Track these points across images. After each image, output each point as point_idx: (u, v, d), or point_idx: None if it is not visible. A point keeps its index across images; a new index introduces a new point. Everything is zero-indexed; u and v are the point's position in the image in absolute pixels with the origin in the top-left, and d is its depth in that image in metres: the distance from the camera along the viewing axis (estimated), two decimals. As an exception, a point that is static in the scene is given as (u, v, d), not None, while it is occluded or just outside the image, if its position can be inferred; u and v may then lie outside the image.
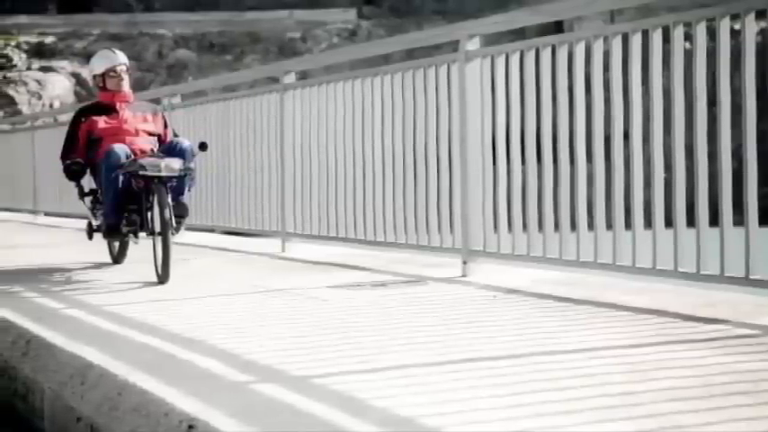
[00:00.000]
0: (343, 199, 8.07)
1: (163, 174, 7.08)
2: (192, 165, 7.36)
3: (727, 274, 5.00)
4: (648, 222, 5.41)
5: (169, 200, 7.05)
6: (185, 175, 7.28)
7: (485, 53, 6.62)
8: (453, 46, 6.87)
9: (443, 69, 7.00)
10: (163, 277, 6.84)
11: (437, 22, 31.38)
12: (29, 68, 34.02)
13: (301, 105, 8.72)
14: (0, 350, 5.23)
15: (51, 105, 31.99)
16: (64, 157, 7.81)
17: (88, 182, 8.08)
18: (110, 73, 7.90)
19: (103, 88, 7.94)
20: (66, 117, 12.55)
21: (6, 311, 5.77)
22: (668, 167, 5.29)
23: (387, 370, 3.88)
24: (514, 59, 6.39)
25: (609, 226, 5.67)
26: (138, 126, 7.83)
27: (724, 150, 4.99)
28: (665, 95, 5.31)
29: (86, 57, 27.15)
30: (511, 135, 6.43)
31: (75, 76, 33.50)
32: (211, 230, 10.75)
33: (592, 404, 3.26)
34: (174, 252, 6.97)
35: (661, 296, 5.38)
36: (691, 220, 5.13)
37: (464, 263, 6.69)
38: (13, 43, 34.74)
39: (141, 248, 7.66)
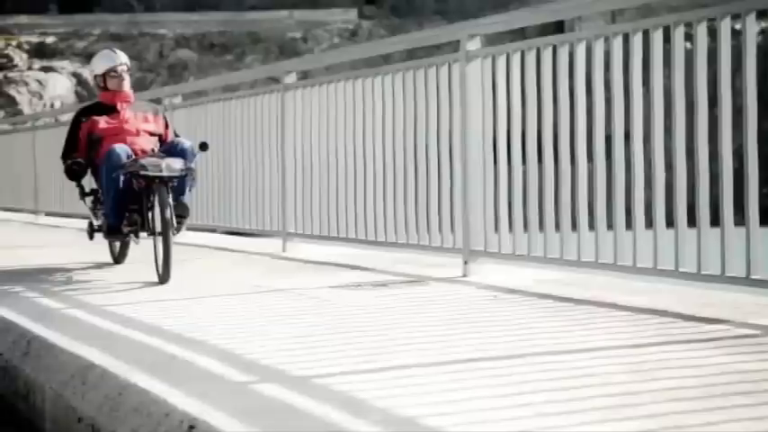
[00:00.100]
0: (344, 199, 8.07)
1: (164, 174, 7.08)
2: (192, 165, 7.36)
3: (728, 274, 5.00)
4: (649, 222, 5.41)
5: (170, 200, 7.05)
6: (186, 175, 7.28)
7: (486, 53, 6.62)
8: (454, 46, 6.87)
9: (444, 69, 7.00)
10: (164, 277, 6.84)
11: (438, 22, 31.40)
12: (30, 68, 34.04)
13: (302, 105, 8.72)
14: (1, 350, 5.24)
15: (52, 105, 32.01)
16: (65, 157, 7.81)
17: (89, 182, 8.08)
18: (111, 73, 7.90)
19: (104, 88, 7.94)
20: (67, 117, 12.57)
21: (7, 311, 5.77)
22: (669, 167, 5.29)
23: (388, 370, 3.88)
24: (515, 59, 6.39)
25: (610, 226, 5.67)
26: (138, 126, 7.83)
27: (725, 150, 4.99)
28: (665, 95, 5.32)
29: (87, 57, 27.17)
30: (512, 135, 6.43)
31: (76, 76, 33.51)
32: (212, 230, 10.75)
33: (593, 404, 3.26)
34: (175, 252, 6.97)
35: (662, 296, 5.38)
36: (692, 220, 5.13)
37: (465, 263, 6.69)
38: (14, 43, 34.75)
39: (142, 248, 7.66)
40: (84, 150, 7.78)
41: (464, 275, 6.64)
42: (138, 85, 23.02)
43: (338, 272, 7.20)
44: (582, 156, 5.90)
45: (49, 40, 35.01)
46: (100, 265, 8.06)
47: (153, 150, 7.56)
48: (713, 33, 5.06)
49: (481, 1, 32.51)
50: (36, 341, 4.95)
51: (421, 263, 7.44)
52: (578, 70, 5.89)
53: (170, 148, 7.48)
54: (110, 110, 7.87)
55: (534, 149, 6.26)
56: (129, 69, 8.01)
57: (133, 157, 7.39)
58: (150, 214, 7.23)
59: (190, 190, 7.59)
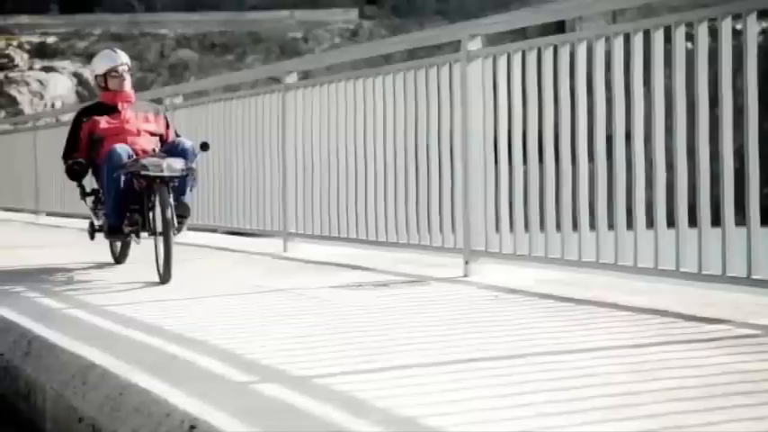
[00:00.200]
0: (345, 199, 8.07)
1: (165, 174, 7.08)
2: (193, 165, 7.37)
3: (728, 274, 5.00)
4: (650, 222, 5.41)
5: (171, 200, 7.05)
6: (187, 175, 7.29)
7: (486, 53, 6.62)
8: (455, 46, 6.87)
9: (445, 69, 7.00)
10: (165, 277, 6.84)
11: (439, 22, 31.40)
12: (31, 68, 34.04)
13: (303, 105, 8.72)
14: (2, 350, 5.24)
15: (53, 105, 32.01)
16: (66, 157, 7.81)
17: (90, 182, 8.08)
18: (111, 73, 7.90)
19: (105, 88, 7.94)
20: (68, 117, 12.56)
21: (8, 311, 5.77)
22: (670, 167, 5.29)
23: (389, 370, 3.88)
24: (516, 59, 6.39)
25: (611, 226, 5.67)
26: (139, 126, 7.83)
27: (726, 150, 4.99)
28: (666, 95, 5.32)
29: (88, 57, 27.15)
30: (513, 135, 6.43)
31: (77, 76, 33.51)
32: (213, 230, 10.75)
33: (594, 404, 3.26)
34: (176, 252, 6.97)
35: (663, 296, 5.38)
36: (692, 220, 5.13)
37: (466, 263, 6.69)
38: (14, 43, 34.75)
39: (143, 248, 7.66)
40: (85, 150, 7.78)
41: (465, 275, 6.64)
42: (139, 85, 23.03)
43: (339, 272, 7.20)
44: (583, 156, 5.90)
45: (50, 40, 35.01)
46: (101, 265, 8.06)
47: (154, 150, 7.56)
48: (714, 33, 5.06)
49: (482, 1, 32.50)
50: (37, 341, 4.95)
51: (422, 263, 7.44)
52: (579, 70, 5.89)
53: (171, 148, 7.49)
54: (111, 110, 7.87)
55: (535, 149, 6.27)
56: (129, 69, 8.01)
57: (134, 157, 7.39)
58: (151, 214, 7.23)
59: (191, 190, 7.59)
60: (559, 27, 24.28)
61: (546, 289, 5.88)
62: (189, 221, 7.66)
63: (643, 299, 5.32)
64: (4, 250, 10.11)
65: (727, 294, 5.25)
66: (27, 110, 31.84)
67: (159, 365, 4.14)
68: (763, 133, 5.24)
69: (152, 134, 7.88)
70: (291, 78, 9.05)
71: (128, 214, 7.42)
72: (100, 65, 7.98)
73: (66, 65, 34.03)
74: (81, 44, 34.71)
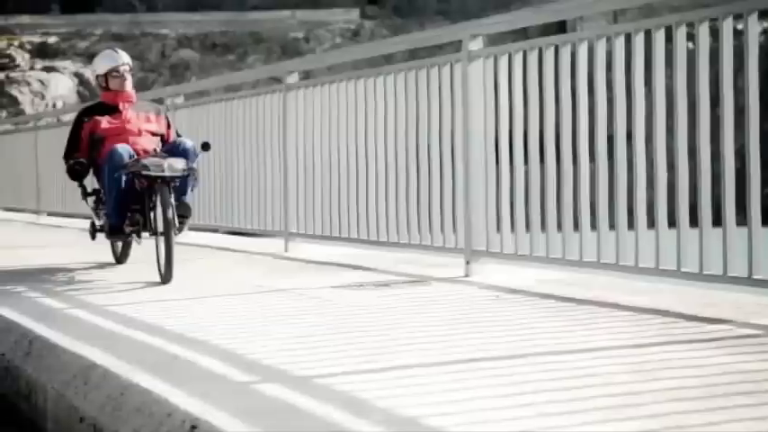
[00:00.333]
0: (346, 199, 8.07)
1: (166, 174, 7.08)
2: (194, 165, 7.37)
3: (730, 274, 5.00)
4: (651, 222, 5.41)
5: (172, 200, 7.05)
6: (188, 175, 7.29)
7: (488, 53, 6.62)
8: (456, 46, 6.86)
9: (446, 69, 7.00)
10: (166, 277, 6.84)
11: (440, 22, 31.40)
12: (32, 68, 34.04)
13: (304, 105, 8.72)
14: (3, 350, 5.24)
15: (54, 105, 32.02)
16: (67, 157, 7.81)
17: (91, 182, 8.09)
18: (113, 73, 7.90)
19: (106, 88, 7.94)
20: (70, 117, 12.56)
21: (9, 311, 5.77)
22: (671, 167, 5.29)
23: (390, 370, 3.88)
24: (517, 59, 6.39)
25: (612, 226, 5.67)
26: (141, 126, 7.83)
27: (727, 150, 4.99)
28: (667, 95, 5.32)
29: (89, 57, 27.14)
30: (514, 135, 6.43)
31: (78, 76, 33.52)
32: (214, 230, 10.76)
33: (594, 404, 3.26)
34: (177, 252, 6.97)
35: (664, 296, 5.38)
36: (694, 220, 5.13)
37: (467, 263, 6.69)
38: (16, 43, 34.76)
39: (144, 249, 7.67)
40: (87, 150, 7.78)
41: (466, 275, 6.64)
42: (140, 85, 23.04)
43: (340, 272, 7.20)
44: (584, 156, 5.90)
45: (51, 40, 35.01)
46: (102, 265, 8.06)
47: (155, 150, 7.56)
48: (715, 33, 5.06)
49: (483, 1, 32.50)
50: (38, 341, 4.95)
51: (423, 263, 7.44)
52: (580, 70, 5.89)
53: (172, 148, 7.49)
54: (112, 110, 7.87)
55: (536, 149, 6.27)
56: (131, 69, 8.02)
57: (135, 157, 7.39)
58: (152, 214, 7.23)
59: (192, 190, 7.60)
60: (560, 27, 24.27)
61: (547, 289, 5.88)
62: (190, 221, 7.66)
63: (644, 299, 5.32)
64: (5, 250, 10.12)
65: (728, 294, 5.25)
66: (28, 110, 31.84)
67: (160, 365, 4.15)
68: (765, 133, 5.25)
69: (153, 134, 7.88)
70: (293, 78, 9.05)
71: (129, 214, 7.42)
72: (101, 65, 7.99)
73: (68, 65, 34.04)
74: (82, 44, 34.71)
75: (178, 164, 7.18)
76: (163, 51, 34.96)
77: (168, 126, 8.06)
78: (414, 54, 14.38)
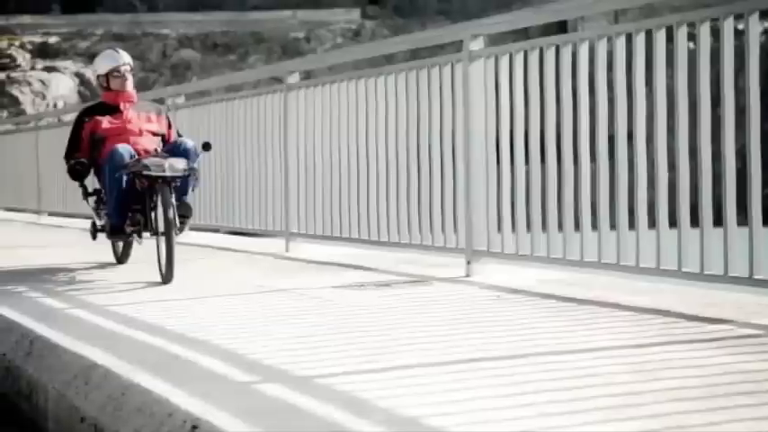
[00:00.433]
0: (347, 199, 8.07)
1: (167, 174, 7.09)
2: (195, 165, 7.37)
3: (731, 274, 4.99)
4: (652, 222, 5.41)
5: (173, 200, 7.05)
6: (189, 175, 7.29)
7: (488, 53, 6.62)
8: (457, 46, 6.87)
9: (447, 69, 7.00)
10: (167, 277, 6.84)
11: (441, 22, 31.40)
12: (33, 68, 34.05)
13: (305, 105, 8.72)
14: (4, 350, 5.24)
15: (55, 105, 32.03)
16: (68, 157, 7.81)
17: (92, 182, 8.09)
18: (113, 73, 7.90)
19: (107, 88, 7.94)
20: (70, 117, 12.57)
21: (10, 311, 5.77)
22: (672, 167, 5.29)
23: (391, 370, 3.88)
24: (518, 59, 6.39)
25: (613, 226, 5.66)
26: (141, 126, 7.83)
27: (728, 150, 4.99)
28: (668, 95, 5.32)
29: (90, 57, 27.16)
30: (514, 135, 6.43)
31: (79, 76, 33.53)
32: (215, 230, 10.76)
33: (595, 404, 3.26)
34: (178, 252, 6.97)
35: (665, 296, 5.38)
36: (695, 220, 5.13)
37: (468, 263, 6.69)
38: (16, 43, 34.77)
39: (145, 249, 7.67)
40: (87, 150, 7.78)
41: (467, 275, 6.64)
42: (141, 85, 23.04)
43: (341, 272, 7.20)
44: (585, 156, 5.91)
45: (52, 40, 35.02)
46: (103, 266, 8.06)
47: (156, 150, 7.56)
48: (716, 33, 5.06)
49: (484, 1, 32.49)
50: (39, 341, 4.95)
51: (424, 263, 7.44)
52: (581, 70, 5.89)
53: (173, 148, 7.49)
54: (113, 110, 7.87)
55: (537, 149, 6.27)
56: (131, 69, 8.02)
57: (136, 157, 7.39)
58: (153, 214, 7.23)
59: (193, 190, 7.60)
60: (561, 27, 24.27)
61: (548, 289, 5.88)
62: (191, 221, 7.66)
63: (645, 299, 5.32)
64: (6, 250, 10.12)
65: (729, 294, 5.25)
66: (29, 110, 31.85)
67: (161, 365, 4.15)
68: (766, 133, 5.25)
69: (154, 134, 7.88)
70: (293, 78, 9.05)
71: (130, 214, 7.42)
72: (102, 65, 7.99)
73: (69, 65, 34.05)
74: (83, 44, 34.72)
75: (179, 164, 7.18)
76: (164, 51, 34.97)
77: (169, 126, 8.06)
78: (415, 54, 14.39)
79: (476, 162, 6.67)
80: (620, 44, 5.62)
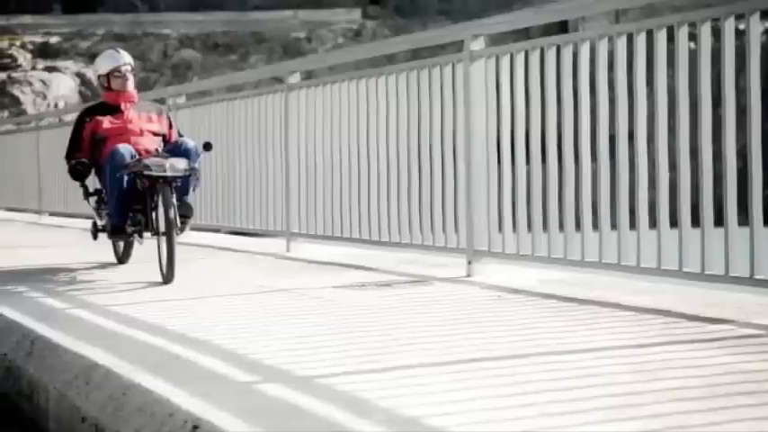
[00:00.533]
0: (347, 199, 8.07)
1: (167, 174, 7.09)
2: (196, 165, 7.37)
3: (732, 274, 4.99)
4: (653, 222, 5.41)
5: (174, 200, 7.06)
6: (190, 175, 7.29)
7: (489, 53, 6.62)
8: (458, 46, 6.87)
9: (448, 69, 7.00)
10: (168, 277, 6.84)
11: (442, 22, 31.40)
12: (34, 68, 34.06)
13: (306, 105, 8.72)
14: (5, 350, 5.24)
15: (56, 105, 32.04)
16: (69, 157, 7.82)
17: (93, 182, 8.09)
18: (114, 73, 7.90)
19: (108, 88, 7.94)
20: (71, 117, 12.56)
21: (11, 311, 5.77)
22: (673, 167, 5.29)
23: (391, 370, 3.88)
24: (519, 59, 6.39)
25: (614, 226, 5.66)
26: (142, 126, 7.84)
27: (729, 150, 4.99)
28: (669, 95, 5.32)
29: (91, 57, 27.18)
30: (515, 135, 6.43)
31: (80, 76, 33.53)
32: (216, 230, 10.76)
33: (596, 404, 3.26)
34: (179, 252, 6.97)
35: (665, 296, 5.38)
36: (695, 220, 5.13)
37: (469, 263, 6.69)
38: (17, 43, 34.78)
39: (146, 249, 7.67)
40: (88, 150, 7.78)
41: (468, 275, 6.64)
42: (142, 85, 23.03)
43: (342, 272, 7.20)
44: (586, 156, 5.91)
45: (53, 40, 35.03)
46: (104, 266, 8.06)
47: (157, 150, 7.56)
48: (717, 33, 5.06)
49: (485, 1, 32.49)
50: (40, 341, 4.96)
51: (425, 263, 7.44)
52: (582, 70, 5.89)
53: (174, 148, 7.49)
54: (114, 110, 7.87)
55: (538, 149, 6.27)
56: (132, 69, 8.02)
57: (137, 157, 7.39)
58: (154, 214, 7.23)
59: (194, 190, 7.60)
60: (562, 27, 24.27)
61: (549, 289, 5.88)
62: (192, 221, 7.67)
63: (646, 299, 5.32)
64: (6, 250, 10.12)
65: (730, 294, 5.25)
66: (30, 110, 31.86)
67: (162, 365, 4.15)
68: (766, 133, 5.24)
69: (155, 134, 7.88)
70: (294, 78, 9.05)
71: (131, 214, 7.42)
72: (103, 65, 7.99)
73: (69, 65, 34.05)
74: (84, 44, 34.73)
75: (180, 164, 7.18)
76: (165, 51, 34.97)
77: (170, 126, 8.06)
78: (416, 54, 14.39)
79: (477, 162, 6.67)
80: (621, 44, 5.62)
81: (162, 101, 11.13)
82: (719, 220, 5.00)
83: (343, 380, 3.69)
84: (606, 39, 5.77)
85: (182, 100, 11.31)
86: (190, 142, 7.56)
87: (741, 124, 4.90)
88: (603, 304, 5.26)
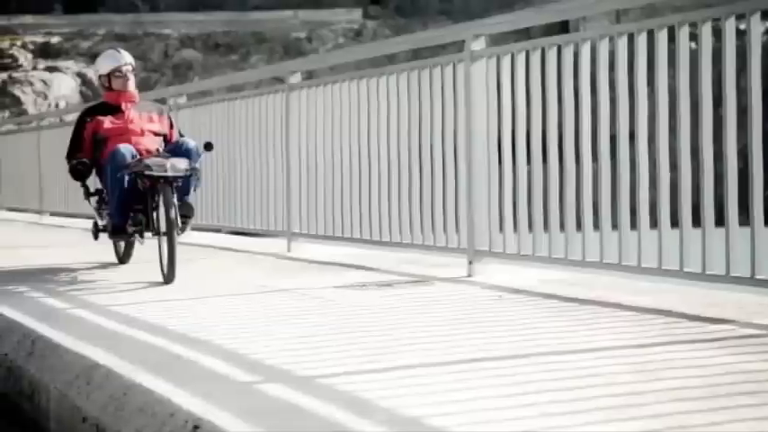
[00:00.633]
0: (348, 199, 8.07)
1: (168, 174, 7.09)
2: (197, 165, 7.37)
3: (732, 274, 4.99)
4: (654, 222, 5.41)
5: (175, 200, 7.06)
6: (191, 175, 7.29)
7: (490, 53, 6.62)
8: (459, 46, 6.87)
9: (449, 69, 7.00)
10: (168, 277, 6.84)
11: (442, 22, 31.39)
12: (35, 68, 34.06)
13: (307, 105, 8.72)
14: (6, 350, 5.24)
15: (57, 105, 32.03)
16: (69, 157, 7.82)
17: (94, 182, 8.09)
18: (115, 73, 7.90)
19: (109, 88, 7.94)
20: (72, 117, 12.56)
21: (11, 311, 5.77)
22: (674, 167, 5.29)
23: (392, 370, 3.88)
24: (520, 59, 6.39)
25: (614, 226, 5.66)
26: (143, 126, 7.84)
27: (730, 150, 4.99)
28: (670, 95, 5.31)
29: (92, 57, 27.18)
30: (516, 135, 6.43)
31: (81, 76, 33.54)
32: (217, 230, 10.76)
33: (597, 404, 3.26)
34: (180, 252, 6.97)
35: (666, 296, 5.38)
36: (696, 220, 5.13)
37: (470, 263, 6.69)
38: (18, 43, 34.78)
39: (147, 249, 7.67)
40: (89, 150, 7.78)
41: (469, 275, 6.64)
42: (143, 85, 23.03)
43: (343, 272, 7.20)
44: (587, 156, 5.91)
45: (54, 40, 35.03)
46: (104, 266, 8.06)
47: (158, 150, 7.57)
48: (718, 33, 5.06)
49: (486, 1, 32.49)
50: (40, 341, 4.96)
51: (425, 263, 7.44)
52: (583, 70, 5.89)
53: (175, 148, 7.49)
54: (114, 110, 7.87)
55: (539, 149, 6.26)
56: (133, 69, 8.02)
57: (138, 157, 7.39)
58: (155, 214, 7.23)
59: (194, 190, 7.60)
60: (563, 27, 24.28)
61: (550, 289, 5.88)
62: (193, 221, 7.67)
63: (647, 299, 5.32)
64: (7, 250, 10.12)
65: (730, 294, 5.25)
66: (31, 110, 31.86)
67: (163, 365, 4.15)
68: (767, 133, 5.24)
69: (156, 134, 7.88)
70: (295, 78, 9.05)
71: (131, 214, 7.42)
72: (104, 65, 7.99)
73: (70, 65, 34.06)
74: (85, 44, 34.73)
75: (181, 164, 7.18)
76: (165, 51, 34.97)
77: (171, 126, 8.06)
78: (416, 54, 14.39)
79: (477, 162, 6.67)
80: (622, 44, 5.62)
81: (163, 101, 11.13)
82: (720, 220, 5.00)
83: (344, 380, 3.69)
84: (607, 39, 5.77)
85: (182, 100, 11.31)
86: (191, 142, 7.56)
87: (742, 124, 4.90)
88: (604, 304, 5.26)
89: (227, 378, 3.86)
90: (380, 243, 7.75)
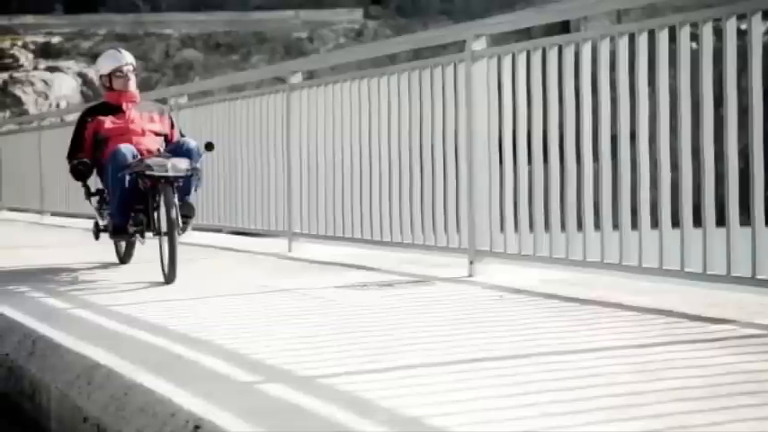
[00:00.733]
0: (349, 199, 8.07)
1: (169, 174, 7.09)
2: (198, 165, 7.37)
3: (733, 274, 4.99)
4: (655, 222, 5.41)
5: (176, 200, 7.05)
6: (192, 175, 7.29)
7: (491, 53, 6.62)
8: (460, 46, 6.87)
9: (450, 69, 7.00)
10: (169, 277, 6.84)
11: (443, 22, 31.39)
12: (35, 68, 34.06)
13: (308, 105, 8.72)
14: (7, 350, 5.24)
15: (58, 105, 32.03)
16: (70, 156, 7.82)
17: (95, 182, 8.09)
18: (116, 73, 7.90)
19: (110, 88, 7.94)
20: (73, 117, 12.57)
21: (12, 311, 5.78)
22: (675, 167, 5.29)
23: (393, 370, 3.88)
24: (521, 59, 6.39)
25: (615, 226, 5.66)
26: (144, 126, 7.84)
27: (730, 150, 4.99)
28: (671, 95, 5.31)
29: (93, 57, 27.18)
30: (517, 135, 6.43)
31: (82, 76, 33.54)
32: (218, 230, 10.76)
33: (598, 404, 3.26)
34: (181, 252, 6.97)
35: (667, 296, 5.38)
36: (697, 220, 5.13)
37: (470, 263, 6.69)
38: (19, 43, 34.78)
39: (148, 248, 7.67)
40: (90, 150, 7.78)
41: (469, 275, 6.64)
42: (144, 85, 23.04)
43: (343, 272, 7.20)
44: (587, 156, 5.91)
45: (55, 40, 35.03)
46: (105, 265, 8.06)
47: (158, 150, 7.57)
48: (719, 33, 5.06)
49: (487, 1, 32.49)
50: (41, 341, 4.96)
51: (426, 263, 7.44)
52: (584, 70, 5.89)
53: (176, 148, 7.49)
54: (115, 110, 7.87)
55: (540, 149, 6.26)
56: (134, 69, 8.02)
57: (139, 157, 7.39)
58: (156, 214, 7.23)
59: (195, 190, 7.60)
60: (564, 27, 24.28)
61: (550, 289, 5.88)
62: (193, 221, 7.66)
63: (648, 299, 5.32)
64: (8, 250, 10.13)
65: (731, 294, 5.25)
66: (32, 110, 31.86)
67: (164, 365, 4.15)
68: (768, 133, 5.24)
69: (157, 134, 7.88)
70: (296, 78, 9.05)
71: (132, 214, 7.43)
72: (105, 65, 7.99)
73: (71, 65, 34.06)
74: (86, 44, 34.73)
75: (182, 164, 7.18)
76: (166, 51, 34.97)
77: (172, 126, 8.06)
78: (417, 54, 14.39)
79: (478, 162, 6.67)
80: (623, 44, 5.62)
81: (164, 101, 11.13)
82: (721, 220, 4.99)
83: (344, 380, 3.70)
84: (608, 39, 5.77)
85: (183, 100, 11.31)
86: (192, 142, 7.56)
87: (743, 124, 4.90)
88: (605, 304, 5.26)
89: (228, 378, 3.86)
90: (381, 243, 7.75)
